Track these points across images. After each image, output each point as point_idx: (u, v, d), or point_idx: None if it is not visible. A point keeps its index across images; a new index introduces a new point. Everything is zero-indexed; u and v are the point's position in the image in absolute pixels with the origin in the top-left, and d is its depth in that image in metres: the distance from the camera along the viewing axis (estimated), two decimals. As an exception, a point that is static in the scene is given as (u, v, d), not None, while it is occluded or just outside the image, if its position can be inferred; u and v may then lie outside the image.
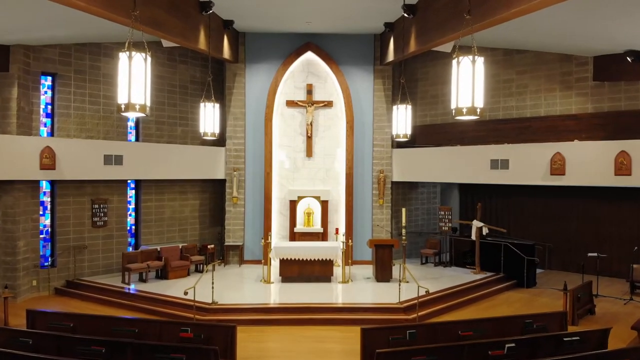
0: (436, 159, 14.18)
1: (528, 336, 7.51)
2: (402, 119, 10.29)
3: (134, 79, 5.10)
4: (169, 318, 10.09)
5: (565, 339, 7.43)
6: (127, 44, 5.20)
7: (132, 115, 5.47)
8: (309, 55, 14.70)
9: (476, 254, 13.60)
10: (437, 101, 15.39)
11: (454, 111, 5.61)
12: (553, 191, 14.09)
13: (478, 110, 5.48)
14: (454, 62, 5.59)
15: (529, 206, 15.04)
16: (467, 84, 5.44)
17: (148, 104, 5.27)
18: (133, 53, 5.15)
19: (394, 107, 10.59)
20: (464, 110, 5.41)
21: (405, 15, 10.70)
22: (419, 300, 9.86)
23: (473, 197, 16.02)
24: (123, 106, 5.09)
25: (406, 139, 10.67)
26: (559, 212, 14.49)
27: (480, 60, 5.53)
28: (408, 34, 11.31)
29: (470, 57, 5.43)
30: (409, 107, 10.38)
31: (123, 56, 5.17)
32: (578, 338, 7.45)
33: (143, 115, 5.30)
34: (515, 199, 15.22)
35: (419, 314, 9.91)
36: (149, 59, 5.27)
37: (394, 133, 10.84)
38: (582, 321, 10.25)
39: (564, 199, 14.23)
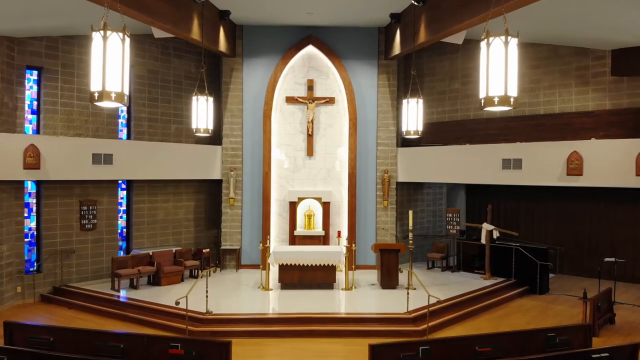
0: (444, 159, 13.49)
1: (553, 353, 6.83)
2: (413, 115, 9.52)
3: (109, 62, 4.36)
4: (160, 329, 9.45)
5: (593, 356, 6.75)
6: (102, 23, 4.46)
7: (107, 106, 4.72)
8: (310, 49, 13.99)
9: (486, 259, 12.91)
10: (445, 97, 14.69)
11: (483, 101, 4.87)
12: (565, 192, 13.42)
13: (512, 99, 4.76)
14: (483, 44, 4.85)
15: (539, 208, 14.37)
16: (499, 69, 4.70)
17: (126, 92, 4.52)
18: (108, 32, 4.41)
19: (404, 102, 9.83)
20: (496, 100, 4.69)
21: (415, 2, 9.97)
22: (429, 309, 9.17)
23: (480, 198, 15.34)
24: (96, 94, 4.35)
25: (417, 136, 9.93)
26: (570, 214, 13.82)
27: (513, 42, 4.80)
28: (418, 23, 10.58)
29: (503, 37, 4.72)
30: (420, 101, 9.63)
31: (96, 36, 4.44)
32: (607, 354, 6.78)
33: (120, 105, 4.57)
34: (524, 201, 14.53)
35: (429, 324, 9.23)
36: (127, 39, 4.53)
37: (403, 130, 10.08)
38: (602, 332, 9.57)
39: (577, 201, 13.56)
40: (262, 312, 10.06)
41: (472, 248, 13.74)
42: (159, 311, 10.07)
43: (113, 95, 4.37)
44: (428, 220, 15.78)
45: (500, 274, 12.81)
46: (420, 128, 9.81)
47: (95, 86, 4.41)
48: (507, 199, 14.78)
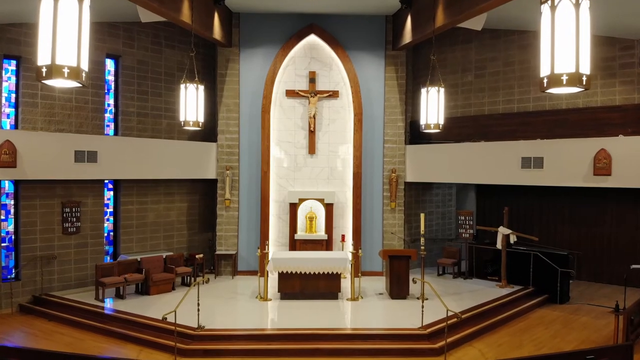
0: (456, 157, 12.53)
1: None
2: (433, 106, 8.48)
3: (61, 28, 3.36)
4: (146, 347, 8.52)
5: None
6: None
7: (58, 85, 3.72)
8: (312, 39, 13.00)
9: (502, 265, 11.95)
10: (457, 91, 13.70)
11: (546, 81, 3.82)
12: (582, 193, 12.46)
13: (584, 78, 3.75)
14: (545, 7, 3.80)
15: (554, 209, 13.40)
16: (569, 40, 3.69)
17: (85, 67, 3.54)
18: (61, -10, 3.40)
19: (423, 91, 8.81)
20: (564, 79, 3.65)
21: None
22: (447, 323, 8.20)
23: (491, 199, 14.38)
24: (44, 70, 3.37)
25: (438, 130, 8.91)
26: (588, 216, 12.87)
27: (585, 4, 3.78)
28: (435, 4, 9.54)
29: (572, -1, 3.69)
30: (442, 90, 8.62)
31: (45, -6, 3.43)
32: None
33: (77, 85, 3.57)
34: (538, 202, 13.56)
35: (447, 340, 8.26)
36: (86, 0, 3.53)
37: (422, 123, 9.07)
38: (635, 347, 8.60)
39: (595, 202, 12.61)
40: (260, 327, 9.07)
41: (484, 253, 12.82)
42: (146, 325, 9.08)
43: (66, 71, 3.37)
44: (437, 223, 14.83)
45: (516, 281, 11.88)
46: (442, 121, 8.79)
47: (42, 59, 3.41)
48: (520, 200, 13.80)
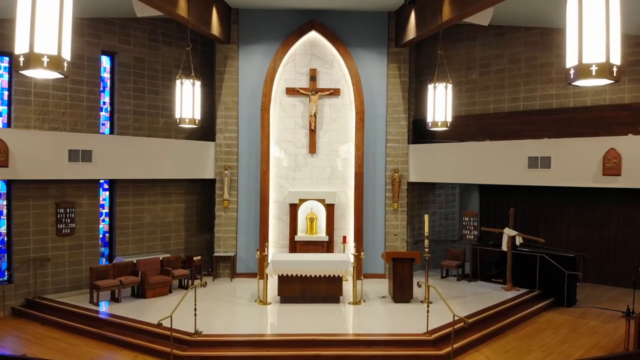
0: (460, 157, 12.23)
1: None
2: (441, 103, 8.17)
3: (40, 11, 3.04)
4: (141, 353, 8.21)
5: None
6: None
7: (38, 75, 3.40)
8: (313, 35, 12.69)
9: (508, 268, 11.66)
10: (461, 89, 13.38)
11: (572, 72, 3.48)
12: (587, 193, 12.18)
13: (615, 69, 3.43)
14: (571, -8, 3.51)
15: (559, 210, 13.12)
16: (598, 27, 3.35)
17: (67, 57, 3.23)
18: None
19: (429, 87, 8.50)
20: (593, 70, 3.33)
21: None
22: (454, 328, 7.91)
23: (495, 200, 14.09)
24: (22, 59, 3.06)
25: (446, 128, 8.60)
26: (593, 217, 12.59)
27: (615, -11, 3.47)
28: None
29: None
30: (450, 86, 8.31)
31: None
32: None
33: (58, 75, 3.27)
34: (543, 203, 13.27)
35: (453, 346, 7.97)
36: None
37: (429, 121, 8.75)
38: (646, 353, 8.31)
39: (601, 203, 12.35)
40: (259, 332, 8.75)
41: (488, 255, 12.52)
42: (141, 330, 8.78)
43: (45, 60, 3.06)
44: (440, 224, 14.52)
45: (521, 284, 11.60)
46: (450, 119, 8.49)
47: (20, 47, 3.10)
48: (524, 201, 13.51)
